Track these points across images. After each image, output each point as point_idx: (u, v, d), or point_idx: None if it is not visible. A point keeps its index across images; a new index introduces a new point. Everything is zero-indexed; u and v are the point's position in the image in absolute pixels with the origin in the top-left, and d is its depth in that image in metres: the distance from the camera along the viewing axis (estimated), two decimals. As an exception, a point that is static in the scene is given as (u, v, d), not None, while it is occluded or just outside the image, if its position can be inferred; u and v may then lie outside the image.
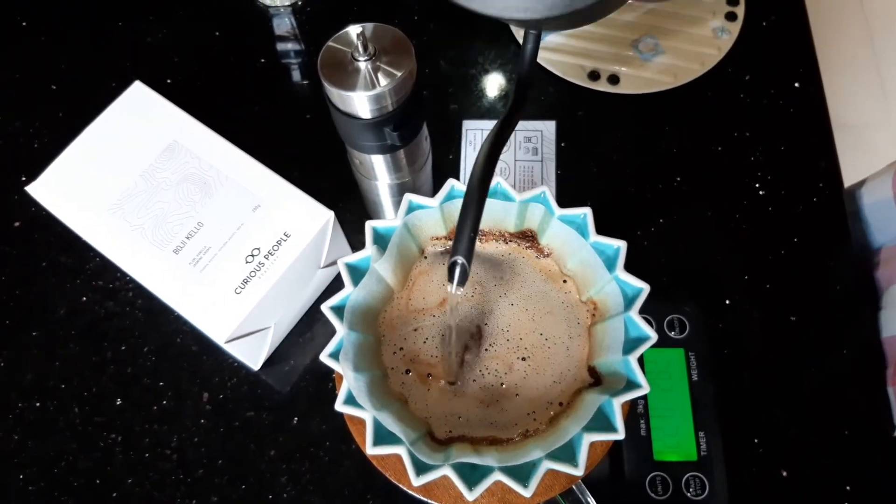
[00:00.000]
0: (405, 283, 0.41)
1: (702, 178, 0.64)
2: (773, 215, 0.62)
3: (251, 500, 0.53)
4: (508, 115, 0.35)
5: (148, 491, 0.54)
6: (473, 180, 0.33)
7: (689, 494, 0.50)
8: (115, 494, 0.54)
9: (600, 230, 0.41)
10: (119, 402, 0.56)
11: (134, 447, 0.55)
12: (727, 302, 0.59)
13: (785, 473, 0.54)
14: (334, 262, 0.56)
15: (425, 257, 0.42)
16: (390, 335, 0.40)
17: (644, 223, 0.62)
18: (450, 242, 0.43)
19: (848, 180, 0.69)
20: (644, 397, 0.53)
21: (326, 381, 0.57)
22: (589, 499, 0.41)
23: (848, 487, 0.53)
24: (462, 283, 0.33)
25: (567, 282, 0.41)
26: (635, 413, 0.53)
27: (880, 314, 0.60)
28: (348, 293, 0.38)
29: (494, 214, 0.42)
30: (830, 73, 1.43)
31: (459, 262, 0.32)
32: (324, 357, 0.36)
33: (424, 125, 0.53)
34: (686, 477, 0.51)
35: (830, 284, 0.60)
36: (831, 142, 0.65)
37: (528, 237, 0.42)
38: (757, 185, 0.63)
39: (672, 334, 0.55)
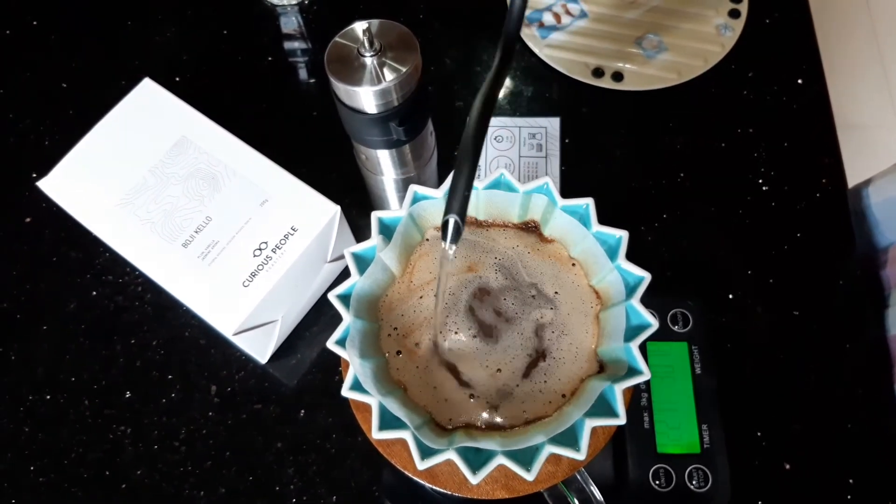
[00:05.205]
0: (406, 269, 0.42)
1: (705, 173, 0.65)
2: (776, 211, 0.63)
3: (258, 492, 0.54)
4: (498, 73, 0.35)
5: (157, 482, 0.54)
6: (467, 138, 0.33)
7: (692, 487, 0.50)
8: (124, 486, 0.54)
9: (604, 225, 0.41)
10: (128, 394, 0.57)
11: (143, 439, 0.56)
12: (730, 296, 0.60)
13: (788, 466, 0.54)
14: (341, 257, 0.57)
15: (427, 240, 0.42)
16: (388, 318, 0.40)
17: (648, 218, 0.63)
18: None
19: (855, 180, 0.69)
20: (648, 391, 0.53)
21: (333, 375, 0.57)
22: (592, 487, 0.42)
23: (851, 480, 0.54)
24: (455, 240, 0.33)
25: (576, 265, 0.42)
26: (639, 406, 0.53)
27: (887, 312, 0.60)
28: (354, 282, 0.39)
29: (498, 205, 0.42)
30: (836, 73, 1.44)
31: (452, 219, 0.32)
32: (330, 344, 0.37)
33: (430, 120, 0.54)
34: (689, 469, 0.51)
35: (834, 280, 0.60)
36: (834, 138, 0.65)
37: (531, 228, 0.43)
38: (760, 181, 0.64)
39: (675, 328, 0.55)
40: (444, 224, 0.33)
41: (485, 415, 0.38)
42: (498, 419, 0.38)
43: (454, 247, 0.34)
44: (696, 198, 0.64)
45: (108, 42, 0.72)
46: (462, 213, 0.32)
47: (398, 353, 0.40)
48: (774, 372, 0.57)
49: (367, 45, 0.45)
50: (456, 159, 0.33)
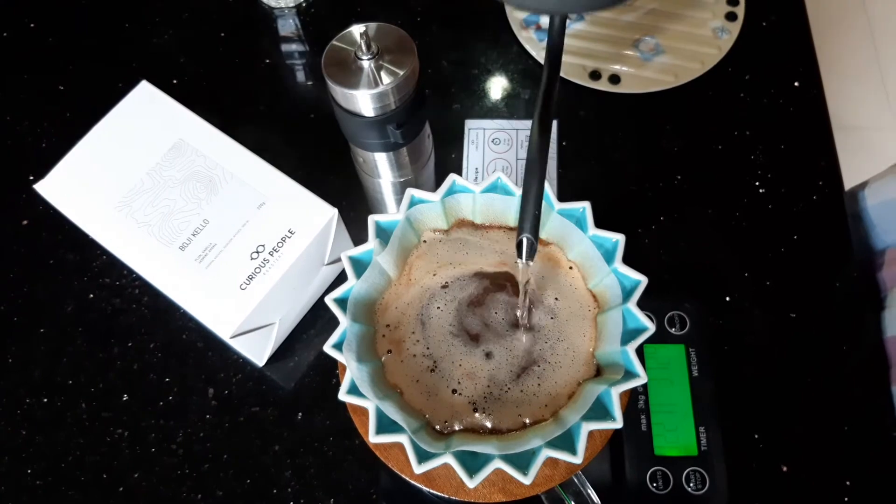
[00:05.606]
0: (403, 272, 0.42)
1: (702, 176, 0.65)
2: (773, 213, 0.63)
3: (256, 495, 0.54)
4: (547, 89, 0.36)
5: (154, 485, 0.54)
6: (531, 158, 0.35)
7: (689, 489, 0.50)
8: (121, 489, 0.54)
9: (601, 228, 0.41)
10: (125, 397, 0.57)
11: (140, 442, 0.56)
12: (727, 299, 0.60)
13: (785, 468, 0.54)
14: (338, 259, 0.57)
15: (424, 242, 0.42)
16: (383, 320, 0.41)
17: (645, 221, 0.63)
18: (448, 236, 0.43)
19: (852, 182, 0.69)
20: (645, 393, 0.53)
21: (330, 377, 0.57)
22: (589, 490, 0.42)
23: (848, 482, 0.54)
24: (531, 256, 0.36)
25: (573, 268, 0.42)
26: (636, 408, 0.53)
27: (884, 314, 0.60)
28: (351, 285, 0.39)
29: (495, 209, 0.42)
30: (832, 75, 1.44)
31: (526, 238, 0.36)
32: (327, 348, 0.37)
33: (427, 123, 0.54)
34: (686, 471, 0.51)
35: (830, 282, 0.61)
36: (831, 140, 0.66)
37: (528, 231, 0.43)
38: (757, 184, 0.64)
39: (673, 331, 0.55)
40: (519, 243, 0.36)
41: (480, 419, 0.38)
42: (494, 423, 0.38)
43: (530, 262, 0.37)
44: (693, 200, 0.64)
45: (106, 44, 0.72)
46: (535, 231, 0.36)
47: (389, 351, 0.40)
48: (772, 374, 0.57)
49: (364, 48, 0.45)
50: (524, 180, 0.36)
